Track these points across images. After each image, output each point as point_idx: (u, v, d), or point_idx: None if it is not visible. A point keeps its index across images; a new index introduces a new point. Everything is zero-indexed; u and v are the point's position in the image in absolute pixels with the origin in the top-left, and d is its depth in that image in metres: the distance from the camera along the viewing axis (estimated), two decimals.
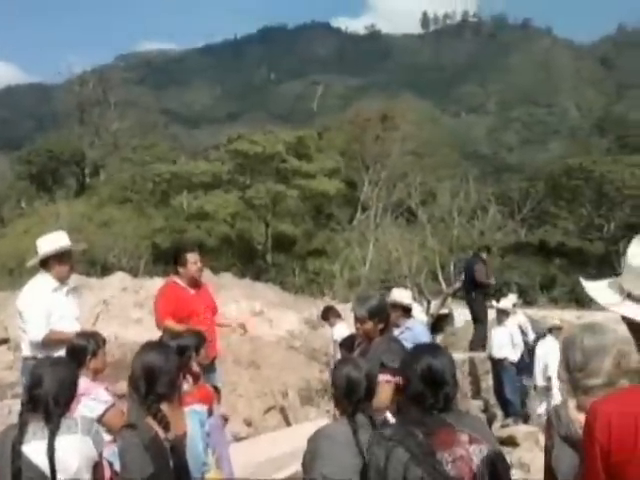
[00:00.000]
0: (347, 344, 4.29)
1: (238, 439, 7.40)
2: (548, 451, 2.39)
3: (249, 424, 8.03)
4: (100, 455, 2.82)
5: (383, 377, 3.62)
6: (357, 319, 3.99)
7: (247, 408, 8.21)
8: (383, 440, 2.50)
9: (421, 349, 2.87)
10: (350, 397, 2.90)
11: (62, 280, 5.00)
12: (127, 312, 13.26)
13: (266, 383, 9.02)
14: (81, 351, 3.86)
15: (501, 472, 2.47)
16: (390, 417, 3.55)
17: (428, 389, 2.57)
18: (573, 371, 2.37)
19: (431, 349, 2.82)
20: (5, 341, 9.95)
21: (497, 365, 9.24)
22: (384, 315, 4.00)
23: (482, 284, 11.02)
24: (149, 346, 3.07)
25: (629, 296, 1.67)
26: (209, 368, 5.27)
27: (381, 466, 2.44)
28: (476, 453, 2.44)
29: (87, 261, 26.17)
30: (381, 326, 3.93)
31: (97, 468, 2.80)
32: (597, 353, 2.24)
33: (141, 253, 27.78)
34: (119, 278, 16.54)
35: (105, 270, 23.68)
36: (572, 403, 2.32)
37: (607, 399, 1.69)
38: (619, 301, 1.69)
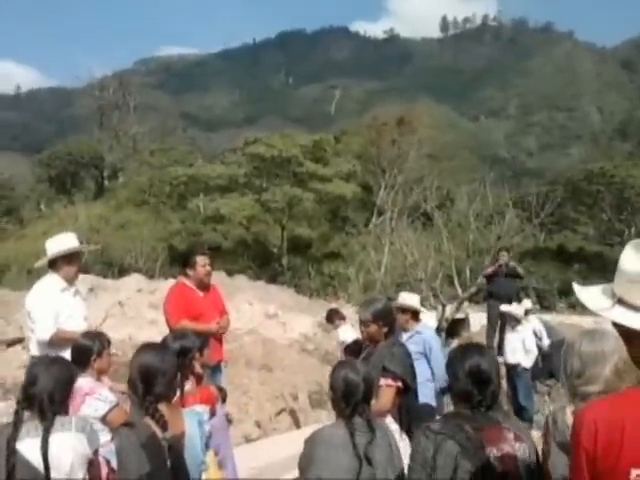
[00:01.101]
0: (353, 349, 4.27)
1: (248, 440, 7.40)
2: (545, 456, 2.37)
3: (260, 426, 8.03)
4: (95, 453, 2.83)
5: (384, 381, 3.63)
6: (362, 322, 3.99)
7: (258, 410, 8.20)
8: (432, 433, 2.56)
9: (468, 348, 2.92)
10: (348, 400, 2.88)
11: (70, 281, 5.03)
12: (142, 313, 13.35)
13: (278, 386, 9.01)
14: (86, 351, 3.90)
15: (538, 472, 2.54)
16: (391, 421, 3.52)
17: (475, 387, 2.64)
18: (571, 377, 2.36)
19: (478, 349, 2.88)
20: (20, 340, 10.06)
21: (511, 370, 9.17)
22: (389, 319, 3.98)
23: (485, 276, 11.84)
24: (146, 347, 3.07)
25: (620, 301, 1.66)
26: (215, 369, 5.28)
27: (429, 458, 2.50)
28: (521, 451, 2.52)
29: (104, 262, 26.45)
30: (386, 330, 3.92)
31: (91, 466, 2.82)
32: (595, 360, 2.22)
33: (157, 255, 27.97)
34: (135, 279, 16.70)
35: (122, 271, 23.90)
36: (570, 409, 2.31)
37: (593, 406, 1.69)
38: (609, 306, 1.67)
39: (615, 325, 1.68)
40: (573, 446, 1.65)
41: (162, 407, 2.83)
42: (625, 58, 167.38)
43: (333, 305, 14.62)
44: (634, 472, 1.50)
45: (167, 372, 2.89)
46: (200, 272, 5.59)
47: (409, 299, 5.75)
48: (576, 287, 1.81)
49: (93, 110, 49.22)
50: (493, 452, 2.46)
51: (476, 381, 2.64)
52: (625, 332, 1.65)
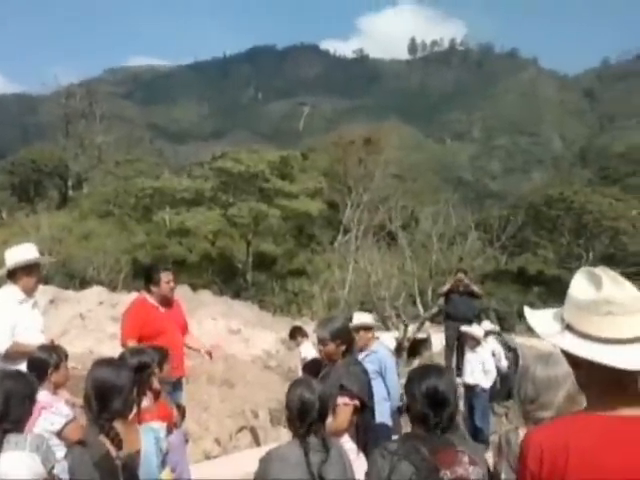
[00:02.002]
0: (312, 367, 4.28)
1: (208, 458, 7.35)
2: (497, 474, 2.42)
3: (219, 443, 7.97)
4: (50, 472, 2.76)
5: (342, 399, 3.63)
6: (320, 341, 3.99)
7: (218, 427, 8.15)
8: (388, 453, 2.57)
9: (427, 370, 2.93)
10: (303, 418, 2.88)
11: (29, 292, 4.96)
12: (103, 326, 13.16)
13: (239, 402, 8.97)
14: (43, 364, 3.84)
15: None
16: (348, 439, 3.54)
17: (432, 409, 2.65)
18: (525, 402, 2.37)
19: (436, 370, 2.90)
20: None
21: (469, 391, 9.25)
22: (347, 337, 3.99)
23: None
24: (102, 362, 3.01)
25: (568, 327, 1.69)
26: (175, 386, 5.24)
27: (384, 478, 2.52)
28: (474, 474, 2.55)
29: (65, 274, 25.95)
30: (343, 348, 3.92)
31: None
32: (549, 386, 2.22)
33: (121, 267, 27.56)
34: (97, 292, 16.45)
35: (83, 283, 23.47)
36: (522, 432, 2.33)
37: (539, 430, 1.73)
38: (558, 332, 1.70)
39: (562, 351, 1.71)
40: (519, 469, 1.68)
41: (117, 424, 2.78)
42: (587, 87, 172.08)
43: (305, 322, 14.64)
44: None
45: (123, 388, 2.83)
46: (164, 289, 5.54)
47: (364, 318, 5.82)
48: (527, 311, 1.83)
49: (59, 118, 48.46)
50: (447, 475, 2.49)
51: (433, 403, 2.65)
52: (572, 358, 1.68)
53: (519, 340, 13.15)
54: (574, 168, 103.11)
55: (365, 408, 3.78)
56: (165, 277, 5.56)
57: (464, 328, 9.52)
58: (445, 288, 11.83)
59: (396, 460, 2.52)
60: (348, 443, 3.44)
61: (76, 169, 44.64)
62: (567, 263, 33.90)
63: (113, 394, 2.78)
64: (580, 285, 1.69)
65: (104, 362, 3.03)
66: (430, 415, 2.64)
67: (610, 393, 1.62)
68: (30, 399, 2.94)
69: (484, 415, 9.26)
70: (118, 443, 2.71)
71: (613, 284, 1.64)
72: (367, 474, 2.65)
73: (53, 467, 2.77)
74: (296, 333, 8.66)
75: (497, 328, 11.93)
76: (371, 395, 3.90)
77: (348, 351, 3.96)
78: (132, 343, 5.16)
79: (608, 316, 1.62)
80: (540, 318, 1.79)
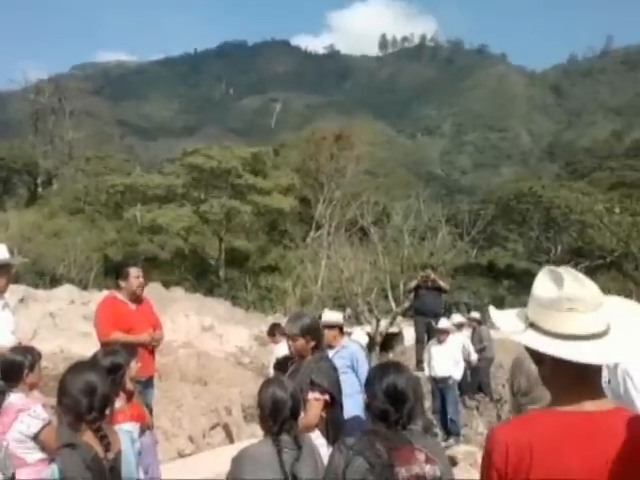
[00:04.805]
0: (281, 364, 4.31)
1: (182, 455, 7.34)
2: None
3: (193, 441, 7.96)
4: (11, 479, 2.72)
5: (312, 395, 3.67)
6: (289, 337, 4.02)
7: (192, 425, 8.13)
8: (345, 448, 2.61)
9: (386, 367, 2.96)
10: (276, 417, 2.88)
11: None
12: (74, 325, 13.03)
13: (212, 399, 8.95)
14: (18, 366, 3.80)
15: None
16: (318, 435, 3.58)
17: (392, 405, 2.69)
18: (517, 394, 2.41)
19: (395, 367, 2.92)
20: None
21: (440, 384, 9.35)
22: (316, 333, 4.01)
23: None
24: (84, 365, 2.99)
25: (532, 325, 1.74)
26: (146, 385, 5.23)
27: (339, 473, 2.55)
28: (430, 473, 2.58)
29: (36, 272, 25.60)
30: (313, 344, 3.95)
31: None
32: None
33: (92, 265, 27.26)
34: (67, 290, 16.29)
35: (54, 282, 23.20)
36: None
37: (504, 428, 1.77)
38: (522, 330, 1.75)
39: (527, 348, 1.76)
40: (484, 465, 1.73)
41: (103, 426, 2.76)
42: (554, 82, 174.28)
43: (277, 318, 14.61)
44: None
45: (107, 390, 2.83)
46: (133, 284, 5.48)
47: (334, 316, 5.89)
48: (492, 310, 1.88)
49: (27, 114, 47.71)
50: (402, 472, 2.52)
51: (393, 399, 2.70)
52: (536, 355, 1.73)
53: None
54: (542, 163, 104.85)
55: (335, 403, 3.82)
56: (134, 272, 5.50)
57: (442, 324, 9.59)
58: (413, 284, 11.97)
59: (352, 455, 2.55)
60: (319, 438, 3.47)
61: (45, 166, 43.92)
62: (536, 256, 34.45)
63: (99, 396, 2.76)
64: (543, 284, 1.74)
65: (87, 365, 3.01)
66: (390, 411, 2.69)
67: (573, 388, 1.67)
68: None
69: (457, 407, 9.40)
70: (107, 445, 2.70)
71: (574, 282, 1.69)
72: (326, 468, 2.70)
73: (14, 475, 2.72)
74: (275, 330, 8.62)
75: (478, 316, 12.10)
76: (340, 391, 3.94)
77: (317, 347, 3.99)
78: (118, 334, 5.16)
79: (570, 313, 1.67)
80: (505, 317, 1.84)
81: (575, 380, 1.67)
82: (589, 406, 1.65)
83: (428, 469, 2.58)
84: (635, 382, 2.78)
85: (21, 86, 51.02)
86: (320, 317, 5.73)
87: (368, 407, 2.83)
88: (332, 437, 3.63)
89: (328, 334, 5.47)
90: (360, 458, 2.54)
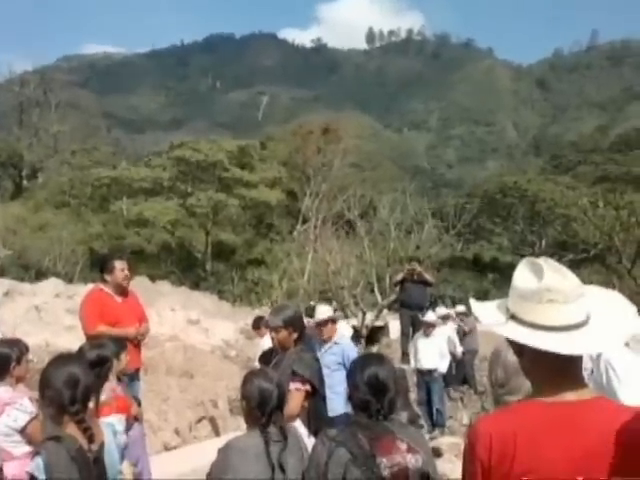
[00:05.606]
0: (266, 357, 4.31)
1: (168, 449, 7.34)
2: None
3: (179, 434, 7.97)
4: None
5: (293, 385, 3.68)
6: (272, 328, 4.03)
7: (178, 418, 8.13)
8: (327, 439, 2.64)
9: (367, 359, 3.00)
10: (262, 408, 2.88)
11: None
12: (59, 318, 12.96)
13: (198, 393, 8.96)
14: (5, 359, 3.77)
15: None
16: (300, 424, 3.60)
17: (374, 396, 2.73)
18: (495, 386, 2.42)
19: (377, 359, 2.96)
20: None
21: (426, 376, 9.42)
22: (299, 325, 4.04)
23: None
24: (66, 357, 2.97)
25: (512, 317, 1.74)
26: (133, 377, 5.23)
27: (322, 464, 2.58)
28: (412, 462, 2.61)
29: (21, 265, 25.41)
30: (295, 336, 3.98)
31: None
32: (518, 370, 2.26)
33: (77, 259, 27.06)
34: (53, 283, 16.17)
35: (39, 275, 23.02)
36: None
37: (487, 419, 1.79)
38: (503, 321, 1.75)
39: (508, 340, 1.76)
40: (467, 457, 1.73)
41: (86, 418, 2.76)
42: (540, 77, 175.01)
43: (265, 311, 14.59)
44: None
45: (90, 382, 2.83)
46: (118, 277, 5.48)
47: (327, 311, 5.91)
48: (472, 303, 1.87)
49: (12, 107, 47.14)
50: (384, 462, 2.55)
51: (374, 390, 2.73)
52: (517, 346, 1.73)
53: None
54: (528, 157, 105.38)
55: (316, 393, 3.84)
56: (119, 265, 5.50)
57: (428, 317, 9.64)
58: (399, 277, 12.00)
59: (334, 446, 2.58)
60: (300, 428, 3.48)
61: (31, 159, 43.49)
62: (521, 250, 34.65)
63: (82, 389, 2.75)
64: (523, 275, 1.75)
65: (70, 357, 3.00)
66: (372, 402, 2.72)
67: (554, 379, 1.68)
68: None
69: (442, 399, 9.48)
70: (90, 437, 2.70)
71: (554, 273, 1.69)
72: (309, 459, 2.73)
73: (1, 469, 2.70)
74: (260, 323, 8.63)
75: (463, 309, 12.19)
76: (322, 382, 3.96)
77: (300, 339, 4.01)
78: (103, 327, 5.15)
79: (550, 304, 1.67)
80: (486, 309, 1.84)
81: (556, 371, 1.67)
82: (570, 396, 1.65)
83: (410, 458, 2.61)
84: (617, 372, 2.81)
85: (5, 78, 50.48)
86: (307, 310, 5.76)
87: (350, 398, 2.85)
88: (313, 427, 3.65)
89: (330, 329, 5.59)
90: (342, 449, 2.57)
